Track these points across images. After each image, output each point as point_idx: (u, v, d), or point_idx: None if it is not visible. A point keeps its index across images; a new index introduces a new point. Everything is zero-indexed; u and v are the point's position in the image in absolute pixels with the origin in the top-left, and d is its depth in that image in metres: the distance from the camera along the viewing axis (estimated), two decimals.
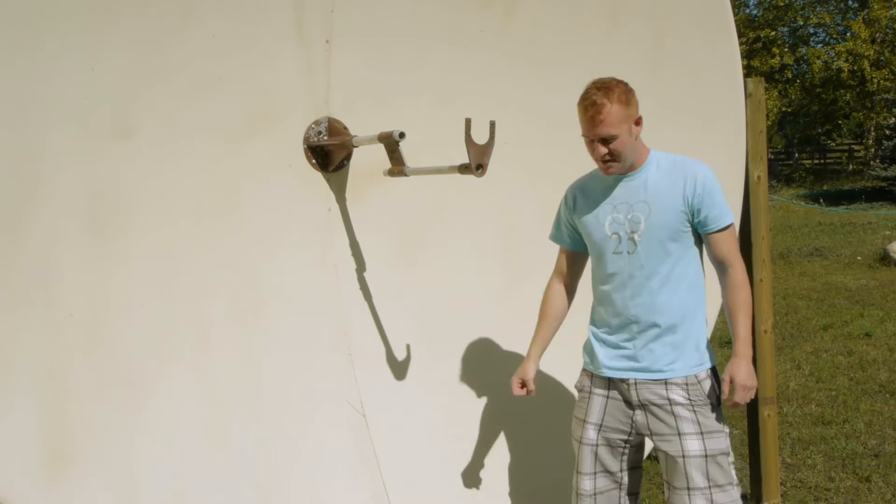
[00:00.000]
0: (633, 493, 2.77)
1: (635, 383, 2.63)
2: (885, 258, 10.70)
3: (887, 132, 21.78)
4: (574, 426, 2.80)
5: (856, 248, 12.10)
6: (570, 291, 2.88)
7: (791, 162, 32.41)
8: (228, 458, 2.70)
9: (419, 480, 3.06)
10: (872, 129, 28.05)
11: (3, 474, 2.31)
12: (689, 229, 2.61)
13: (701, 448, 2.56)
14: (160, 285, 2.60)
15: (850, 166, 30.10)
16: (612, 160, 2.55)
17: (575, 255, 2.85)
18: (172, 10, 2.59)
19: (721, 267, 2.64)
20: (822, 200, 19.13)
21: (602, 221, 2.66)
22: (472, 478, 3.19)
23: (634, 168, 2.63)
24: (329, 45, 2.91)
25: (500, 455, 3.26)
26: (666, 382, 2.59)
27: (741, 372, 2.57)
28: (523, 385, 2.81)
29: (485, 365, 3.26)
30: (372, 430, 2.98)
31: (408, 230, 3.14)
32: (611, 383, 2.69)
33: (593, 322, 2.76)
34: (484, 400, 3.25)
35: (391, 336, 3.06)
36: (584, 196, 2.75)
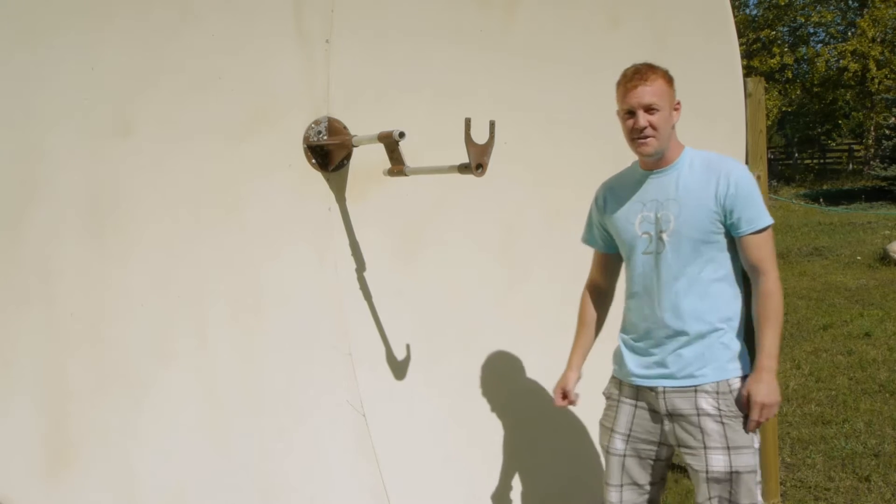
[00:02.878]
0: None
1: (664, 391, 2.52)
2: (884, 258, 10.70)
3: (887, 132, 21.78)
4: (601, 434, 2.71)
5: (855, 247, 12.09)
6: (607, 295, 2.80)
7: (791, 162, 32.43)
8: (228, 458, 2.70)
9: (419, 480, 3.06)
10: (872, 128, 28.07)
11: (3, 474, 2.31)
12: (722, 230, 2.48)
13: (726, 464, 2.44)
14: (160, 284, 2.60)
15: (850, 166, 30.11)
16: (652, 135, 2.45)
17: (609, 257, 2.75)
18: (172, 9, 2.59)
19: (753, 273, 2.49)
20: (821, 200, 19.12)
21: (632, 220, 2.57)
22: (472, 477, 3.18)
23: (667, 163, 2.54)
24: (329, 45, 2.91)
25: (501, 454, 3.26)
26: (696, 390, 2.48)
27: (761, 388, 2.42)
28: (565, 396, 2.73)
29: (486, 364, 3.26)
30: (372, 430, 2.98)
31: (408, 229, 3.14)
32: (639, 392, 2.59)
33: (623, 328, 2.67)
34: (485, 399, 3.25)
35: (391, 335, 3.06)
36: (613, 195, 2.66)
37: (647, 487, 2.62)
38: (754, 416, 2.43)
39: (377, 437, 2.98)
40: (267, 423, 2.78)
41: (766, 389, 2.42)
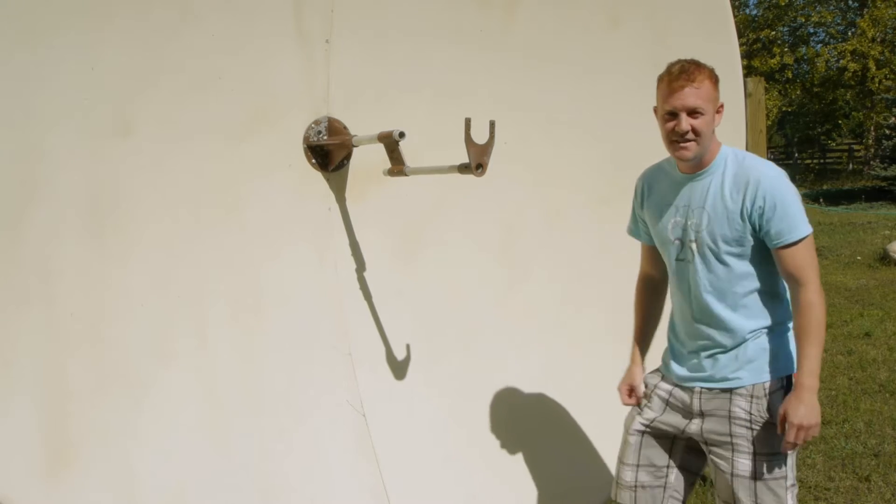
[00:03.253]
0: (679, 500, 2.61)
1: (700, 392, 2.47)
2: (884, 258, 10.69)
3: (887, 132, 21.79)
4: (628, 416, 2.67)
5: (855, 247, 12.09)
6: (661, 284, 2.70)
7: (791, 162, 32.45)
8: (228, 458, 2.70)
9: (419, 480, 3.05)
10: (872, 128, 28.09)
11: (3, 474, 2.31)
12: (752, 242, 2.35)
13: (751, 469, 2.38)
14: (160, 284, 2.60)
15: (850, 166, 30.13)
16: (693, 140, 2.31)
17: (655, 250, 2.63)
18: (172, 9, 2.59)
19: (791, 283, 2.35)
20: (821, 200, 19.12)
21: (666, 224, 2.48)
22: (472, 477, 3.18)
23: (704, 165, 2.41)
24: (329, 45, 2.91)
25: (501, 454, 3.26)
26: (731, 392, 2.42)
27: (799, 409, 2.27)
28: (632, 392, 2.65)
29: (486, 364, 3.25)
30: (372, 430, 2.98)
31: (408, 229, 3.14)
32: (674, 389, 2.56)
33: (669, 327, 2.62)
34: (485, 400, 3.25)
35: (391, 335, 3.06)
36: (651, 192, 2.57)
37: (665, 471, 2.57)
38: (790, 437, 2.30)
39: (377, 437, 2.98)
40: (267, 424, 2.78)
41: (804, 410, 2.28)
